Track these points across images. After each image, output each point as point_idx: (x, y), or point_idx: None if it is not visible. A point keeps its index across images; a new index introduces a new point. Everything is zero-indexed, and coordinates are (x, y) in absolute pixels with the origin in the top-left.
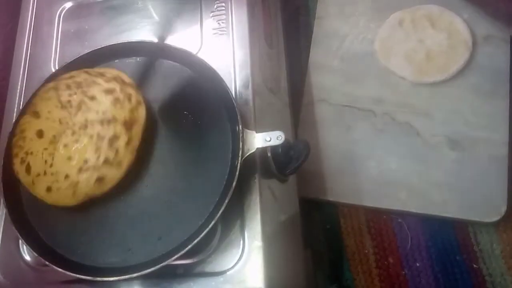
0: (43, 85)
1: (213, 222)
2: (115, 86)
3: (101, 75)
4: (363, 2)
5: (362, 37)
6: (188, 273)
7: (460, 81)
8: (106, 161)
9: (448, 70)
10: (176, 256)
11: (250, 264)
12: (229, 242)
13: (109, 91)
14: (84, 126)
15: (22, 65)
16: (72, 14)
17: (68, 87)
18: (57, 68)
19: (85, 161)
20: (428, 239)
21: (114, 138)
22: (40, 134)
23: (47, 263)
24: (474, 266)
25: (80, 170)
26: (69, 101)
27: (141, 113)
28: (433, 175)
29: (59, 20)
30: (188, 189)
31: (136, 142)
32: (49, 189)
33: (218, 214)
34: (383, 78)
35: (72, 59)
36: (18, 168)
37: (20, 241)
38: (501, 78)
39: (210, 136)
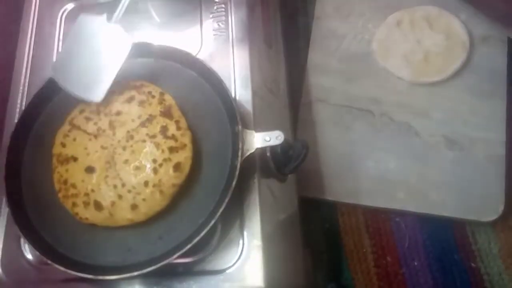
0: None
1: (213, 221)
2: (131, 92)
3: (111, 94)
4: (361, 3)
5: (360, 37)
6: (188, 271)
7: (457, 82)
8: (172, 149)
9: (446, 71)
10: (176, 255)
11: (250, 262)
12: (228, 241)
13: (129, 99)
14: (130, 136)
15: (24, 66)
16: (74, 15)
17: (88, 118)
18: None
19: (154, 160)
20: (426, 238)
21: (164, 129)
22: (90, 170)
23: (48, 261)
24: (472, 265)
25: (155, 170)
26: (99, 128)
27: (169, 97)
28: (431, 175)
29: (61, 21)
30: (188, 188)
31: (183, 121)
32: (134, 206)
33: (218, 213)
34: (381, 78)
35: None
36: (86, 213)
37: (22, 239)
38: (498, 78)
39: (210, 136)
